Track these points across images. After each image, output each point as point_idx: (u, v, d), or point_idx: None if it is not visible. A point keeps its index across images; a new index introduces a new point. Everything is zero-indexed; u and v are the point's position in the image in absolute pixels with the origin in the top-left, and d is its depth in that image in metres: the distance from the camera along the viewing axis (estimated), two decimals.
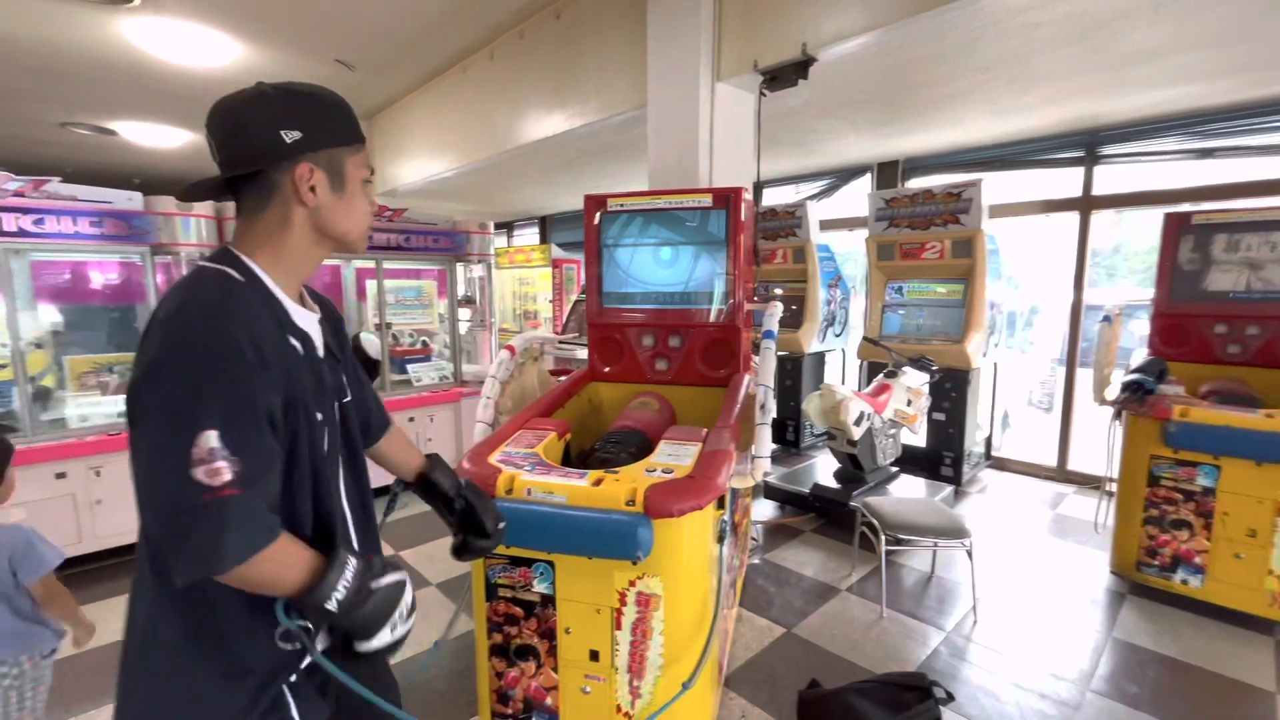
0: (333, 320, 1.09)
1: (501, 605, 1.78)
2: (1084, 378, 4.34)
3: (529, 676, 1.79)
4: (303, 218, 0.94)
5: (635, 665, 1.68)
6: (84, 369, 3.50)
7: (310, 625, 0.87)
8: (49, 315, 3.40)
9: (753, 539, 3.45)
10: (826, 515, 3.74)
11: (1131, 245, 6.28)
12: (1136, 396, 2.77)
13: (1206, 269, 3.03)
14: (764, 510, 3.93)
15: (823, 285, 4.88)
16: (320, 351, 1.01)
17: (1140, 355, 3.21)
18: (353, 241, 1.01)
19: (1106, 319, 3.23)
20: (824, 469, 4.06)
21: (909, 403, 3.71)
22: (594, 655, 1.72)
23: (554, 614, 1.73)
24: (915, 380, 3.74)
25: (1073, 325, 4.45)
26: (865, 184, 5.39)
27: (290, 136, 0.90)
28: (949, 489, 3.95)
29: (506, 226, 9.72)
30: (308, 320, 0.98)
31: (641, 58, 3.39)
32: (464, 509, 1.24)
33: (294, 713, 0.93)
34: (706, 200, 2.52)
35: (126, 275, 3.66)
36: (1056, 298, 5.03)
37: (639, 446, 2.08)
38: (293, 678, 0.93)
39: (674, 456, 1.82)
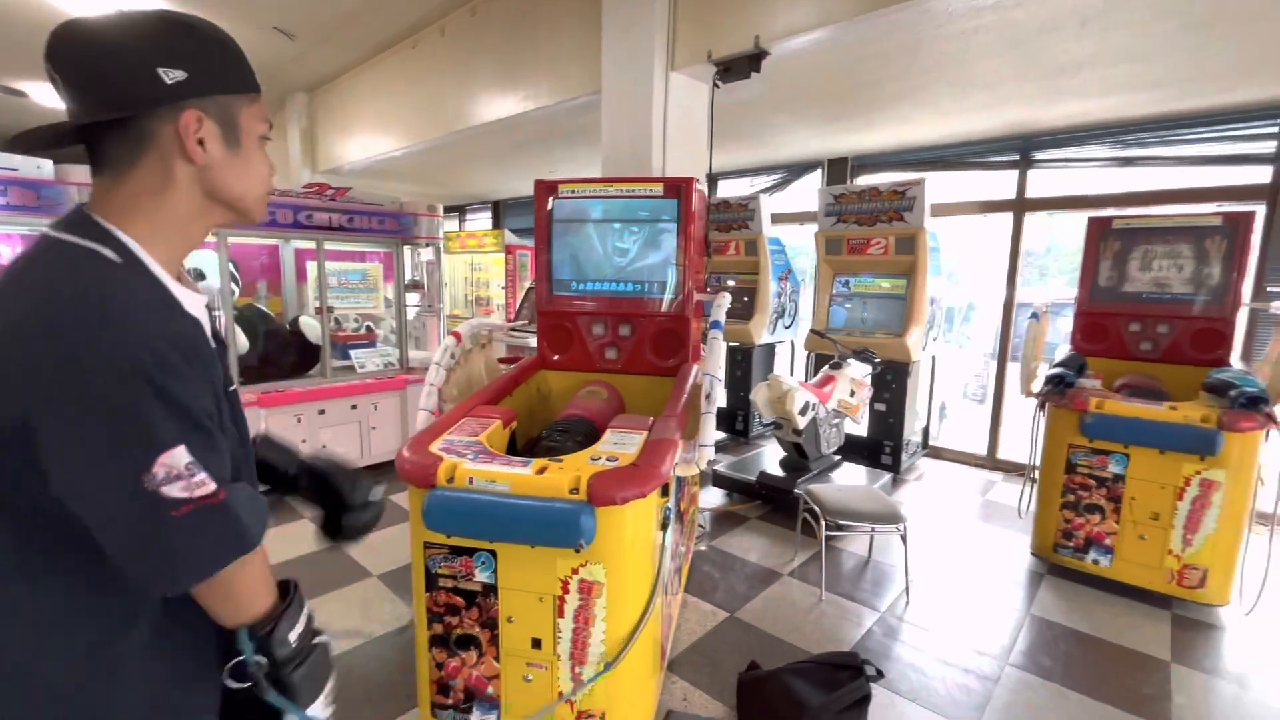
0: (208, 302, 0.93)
1: (442, 595, 1.76)
2: (1014, 371, 4.58)
3: (470, 666, 1.77)
4: (189, 177, 0.77)
5: (578, 652, 1.69)
6: None
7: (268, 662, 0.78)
8: None
9: (700, 526, 3.51)
10: (772, 502, 3.83)
11: (1063, 246, 6.65)
12: (1058, 389, 2.94)
13: (1124, 271, 3.24)
14: (712, 498, 4.00)
15: (773, 278, 4.97)
16: (211, 341, 0.83)
17: (1063, 351, 3.41)
18: (249, 207, 0.85)
19: (1034, 316, 3.41)
20: (771, 458, 4.15)
21: (852, 393, 3.83)
22: (536, 643, 1.71)
23: (496, 603, 1.72)
24: (858, 372, 3.86)
25: (1005, 321, 4.69)
26: (816, 179, 5.51)
27: (171, 76, 0.73)
28: (888, 476, 4.11)
29: (458, 210, 9.48)
30: (195, 304, 0.80)
31: (596, 42, 3.35)
32: (316, 484, 1.06)
33: None
34: (658, 189, 2.52)
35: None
36: (991, 295, 5.29)
37: (586, 435, 2.07)
38: None
39: (619, 445, 1.82)
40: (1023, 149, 4.43)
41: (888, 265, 4.40)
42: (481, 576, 1.72)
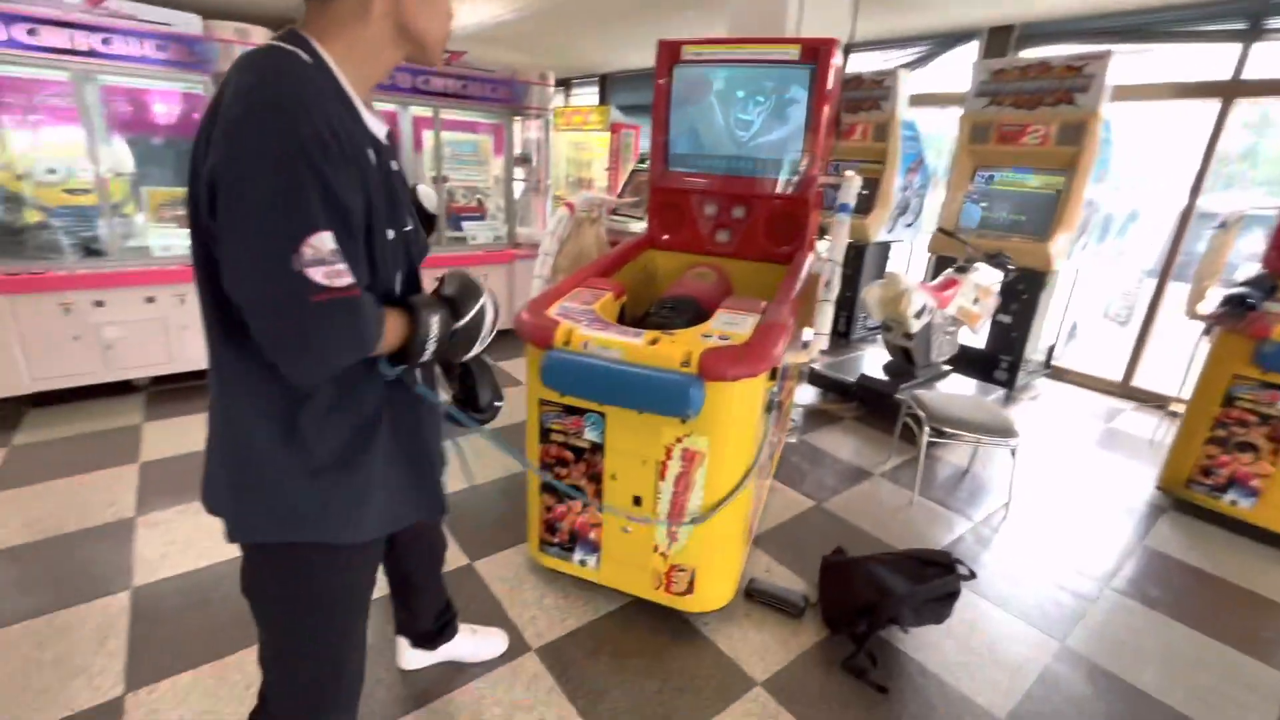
0: (394, 144, 1.01)
1: (554, 448, 1.90)
2: (1175, 292, 4.00)
3: (575, 513, 1.94)
4: (383, 9, 0.85)
5: (675, 513, 1.80)
6: (161, 200, 3.63)
7: (408, 368, 0.99)
8: (122, 145, 3.47)
9: (792, 420, 3.51)
10: (869, 406, 3.74)
11: (1268, 150, 5.49)
12: (1237, 311, 2.55)
13: None
14: (806, 395, 3.96)
15: (901, 170, 4.50)
16: (394, 164, 0.95)
17: (1249, 269, 2.91)
18: (431, 45, 0.93)
19: (1222, 225, 2.90)
20: (871, 361, 4.00)
21: (975, 301, 3.53)
22: (637, 500, 1.83)
23: (602, 460, 1.84)
24: (987, 278, 3.53)
25: (1177, 234, 4.04)
26: (970, 52, 4.75)
27: None
28: (1000, 392, 3.87)
29: (564, 84, 9.15)
30: (379, 128, 0.91)
31: None
32: (463, 376, 1.18)
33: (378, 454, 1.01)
34: (794, 52, 2.27)
35: (189, 107, 3.65)
36: (1161, 203, 4.53)
37: (694, 314, 2.06)
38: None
39: (731, 324, 1.80)
40: (1255, 13, 3.54)
41: (1043, 157, 3.84)
42: (590, 435, 1.83)
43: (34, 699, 1.56)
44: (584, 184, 8.07)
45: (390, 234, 0.93)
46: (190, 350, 3.40)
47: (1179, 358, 2.90)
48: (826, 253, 2.10)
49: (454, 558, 2.19)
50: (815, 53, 2.24)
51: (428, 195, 1.26)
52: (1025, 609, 2.12)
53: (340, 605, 1.05)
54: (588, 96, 8.94)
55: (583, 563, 1.99)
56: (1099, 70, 3.46)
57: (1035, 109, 3.75)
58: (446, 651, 1.70)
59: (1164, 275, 4.13)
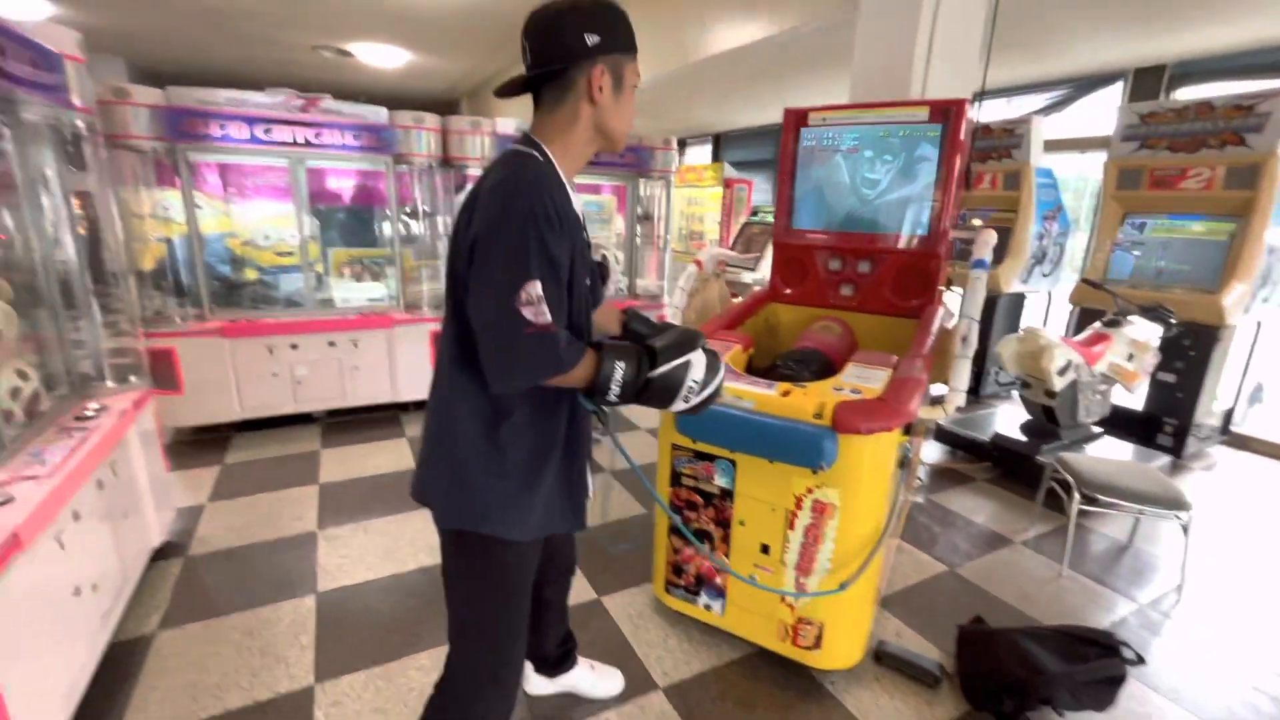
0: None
1: (684, 492, 1.99)
2: None
3: (703, 556, 2.01)
4: (588, 115, 1.11)
5: (804, 564, 1.81)
6: (343, 260, 4.28)
7: (603, 410, 1.17)
8: (318, 214, 4.16)
9: (919, 478, 3.36)
10: (1004, 466, 3.49)
11: None
12: None
13: None
14: (932, 452, 3.78)
15: (1037, 217, 4.28)
16: (586, 234, 1.19)
17: None
18: (618, 140, 1.17)
19: None
20: (1005, 419, 3.75)
21: (1130, 358, 3.24)
22: (764, 549, 1.87)
23: (731, 506, 1.90)
24: (1143, 333, 3.23)
25: None
26: (1111, 95, 4.50)
27: (591, 40, 1.05)
28: (1165, 460, 3.47)
29: (680, 143, 9.64)
30: (577, 202, 1.16)
31: None
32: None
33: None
34: (923, 114, 2.32)
35: (368, 181, 4.32)
36: None
37: (820, 367, 2.10)
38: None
39: (862, 378, 1.83)
40: None
41: (1209, 203, 3.51)
42: (720, 481, 1.90)
43: (249, 680, 1.85)
44: (695, 238, 8.36)
45: (586, 281, 1.18)
46: (361, 388, 3.91)
47: None
48: (958, 307, 2.07)
49: (582, 591, 2.31)
50: (945, 113, 2.28)
51: (610, 258, 1.48)
52: (1208, 708, 1.86)
53: (511, 592, 1.25)
54: (700, 154, 9.34)
55: (708, 607, 2.04)
56: (1274, 107, 3.16)
57: (1197, 151, 3.46)
58: (566, 682, 1.81)
59: None
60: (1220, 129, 3.34)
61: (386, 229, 4.16)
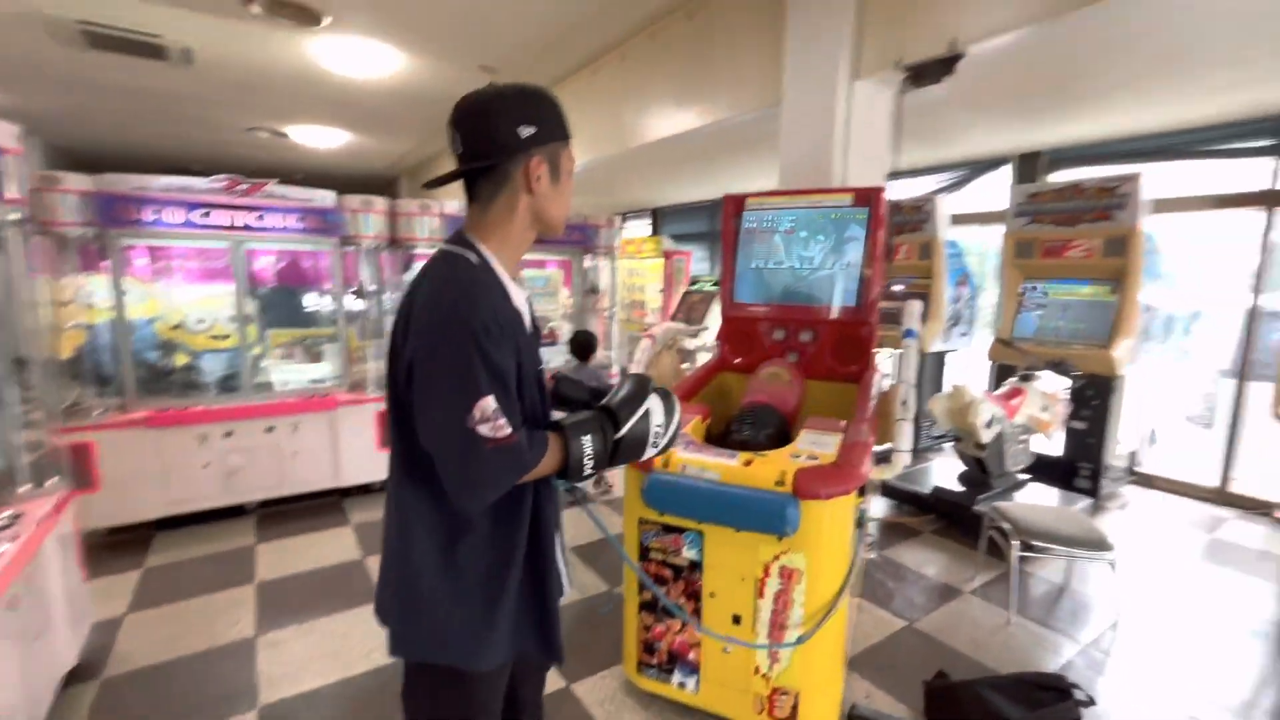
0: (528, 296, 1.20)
1: (653, 566, 2.00)
2: (1259, 392, 3.91)
3: (674, 633, 2.00)
4: (526, 206, 1.07)
5: (775, 632, 1.83)
6: (283, 341, 4.15)
7: (580, 487, 1.16)
8: (255, 295, 4.06)
9: (868, 534, 3.47)
10: (947, 518, 3.67)
11: None
12: None
13: None
14: (879, 507, 3.92)
15: (949, 283, 4.72)
16: (529, 327, 1.13)
17: None
18: (557, 226, 1.13)
19: None
20: (941, 471, 3.97)
21: (1044, 409, 3.55)
22: (736, 619, 1.89)
23: (700, 578, 1.92)
24: (1052, 385, 3.57)
25: (1247, 333, 4.02)
26: (1001, 176, 5.11)
27: (525, 132, 1.02)
28: (1085, 502, 3.74)
29: (619, 217, 10.05)
30: (519, 297, 1.11)
31: (774, 57, 3.46)
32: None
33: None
34: (847, 200, 2.59)
35: (313, 262, 4.27)
36: (1225, 302, 4.54)
37: (775, 424, 2.18)
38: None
39: (817, 444, 1.94)
40: (1277, 131, 3.77)
41: (1092, 269, 3.99)
42: (689, 553, 1.93)
43: None
44: (636, 307, 8.61)
45: (533, 374, 1.12)
46: (300, 474, 3.72)
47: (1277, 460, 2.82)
48: (895, 371, 2.25)
49: (550, 679, 2.22)
50: (868, 198, 2.55)
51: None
52: None
53: None
54: (641, 228, 9.76)
55: (682, 685, 2.01)
56: (1132, 189, 3.69)
57: (1076, 225, 3.96)
58: None
59: (1242, 375, 4.06)
60: (1092, 207, 3.86)
61: (330, 308, 4.09)
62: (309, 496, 3.88)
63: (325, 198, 3.72)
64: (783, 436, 2.13)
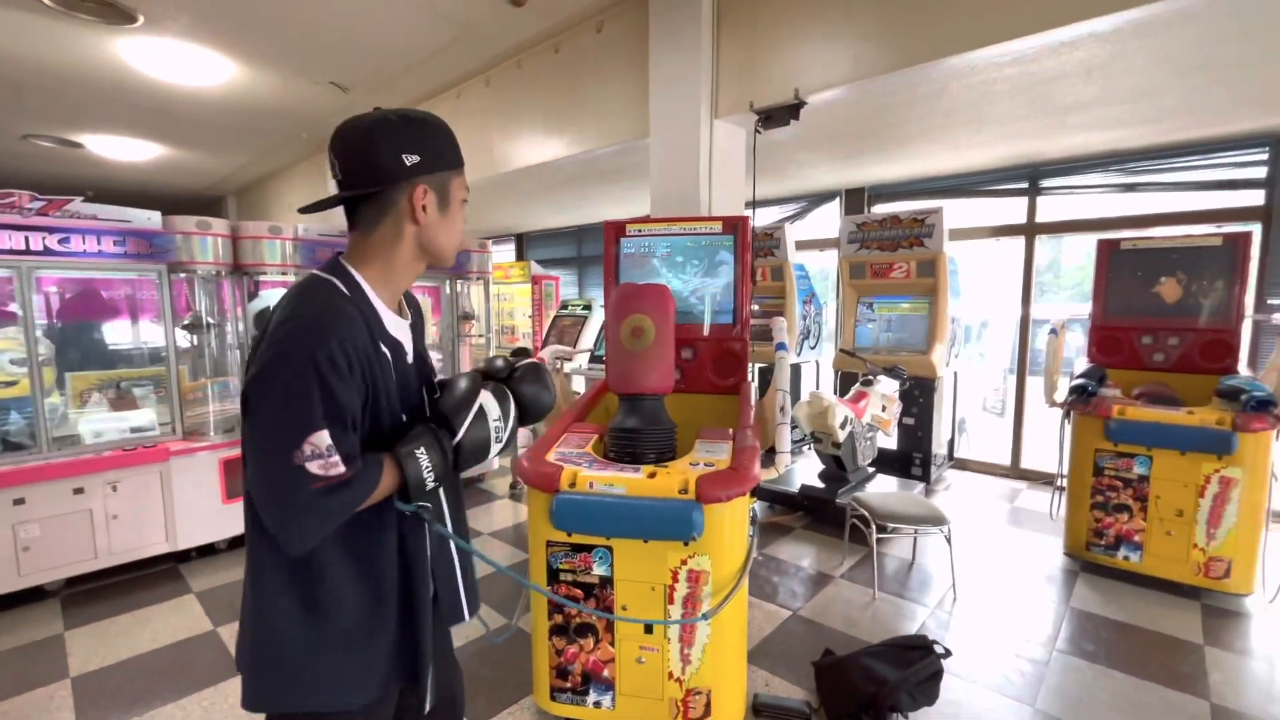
0: (418, 324, 1.17)
1: (563, 588, 2.00)
2: (1034, 384, 4.84)
3: (588, 652, 2.00)
4: (412, 235, 1.03)
5: (686, 634, 1.92)
6: (92, 385, 3.51)
7: (426, 505, 1.03)
8: (56, 332, 3.41)
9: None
10: (814, 512, 4.06)
11: (1064, 263, 6.97)
12: (1082, 398, 3.20)
13: (1134, 288, 3.52)
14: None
15: (799, 301, 5.26)
16: (409, 358, 1.09)
17: (1081, 363, 3.68)
18: (447, 257, 1.09)
19: (1054, 331, 3.68)
20: (806, 471, 4.39)
21: (884, 408, 4.09)
22: (648, 628, 1.95)
23: (612, 594, 1.96)
24: (888, 388, 4.12)
25: (1021, 337, 4.97)
26: (833, 208, 5.84)
27: (410, 160, 0.99)
28: (920, 487, 4.34)
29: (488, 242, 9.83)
30: (399, 328, 1.07)
31: (639, 91, 3.69)
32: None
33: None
34: (717, 227, 2.82)
35: (132, 292, 3.69)
36: (1004, 312, 5.57)
37: (651, 415, 2.14)
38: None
39: (711, 453, 2.08)
40: (1031, 177, 4.76)
41: (910, 287, 4.70)
42: (599, 570, 1.96)
43: None
44: (508, 332, 8.47)
45: (404, 417, 1.06)
46: (122, 541, 3.15)
47: (1052, 439, 3.51)
48: (774, 382, 2.49)
49: None
50: (735, 225, 2.80)
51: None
52: (995, 681, 2.35)
53: None
54: (505, 252, 9.64)
55: (598, 704, 2.01)
56: (936, 220, 4.42)
57: (896, 250, 4.65)
58: None
59: (1020, 372, 4.99)
60: (907, 235, 4.56)
61: (157, 345, 3.55)
62: (135, 565, 3.29)
63: (148, 218, 3.24)
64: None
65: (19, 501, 2.87)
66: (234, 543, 3.59)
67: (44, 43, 4.13)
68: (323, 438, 0.89)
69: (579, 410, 2.61)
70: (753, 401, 2.60)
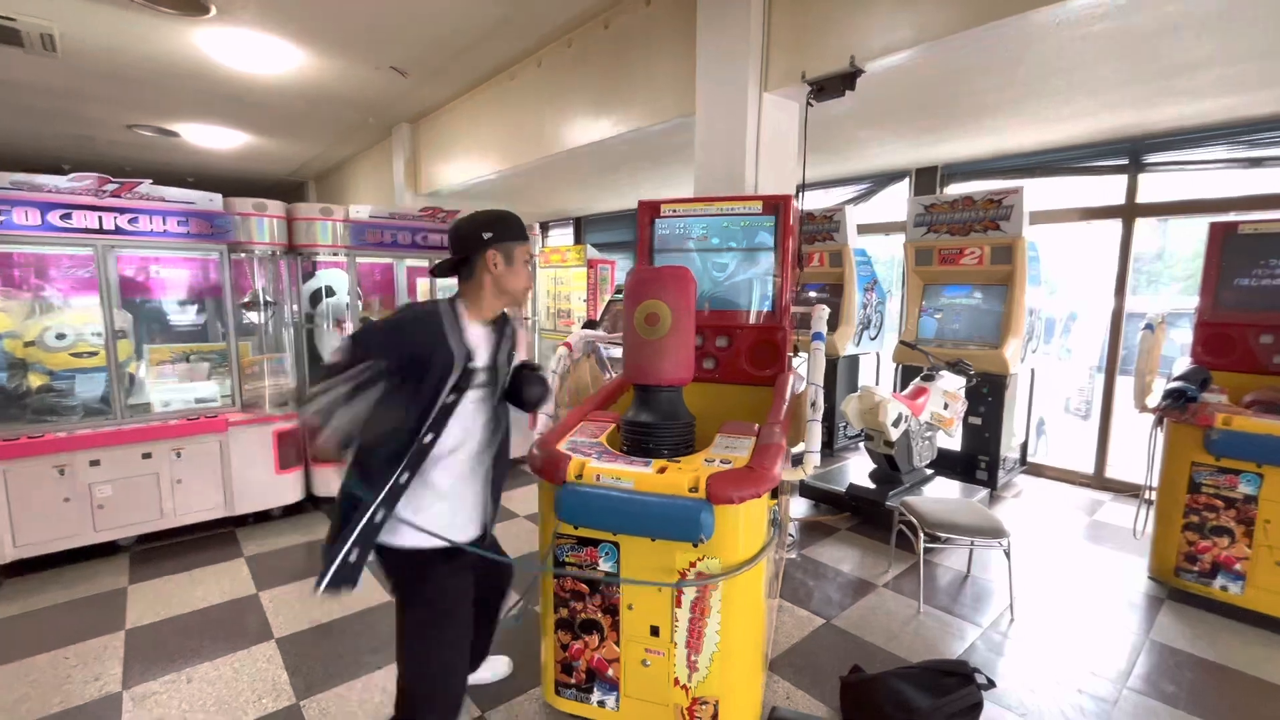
0: (509, 340, 1.76)
1: (568, 582, 1.93)
2: (1124, 385, 4.33)
3: (592, 649, 1.93)
4: (489, 281, 1.63)
5: (693, 641, 1.81)
6: (164, 358, 3.76)
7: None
8: (131, 307, 3.67)
9: (789, 534, 3.54)
10: (862, 514, 3.82)
11: (1176, 252, 6.20)
12: (1179, 404, 2.80)
13: (1253, 279, 3.04)
14: (798, 508, 4.02)
15: (859, 289, 4.95)
16: (479, 361, 1.62)
17: (1183, 364, 3.23)
18: (518, 296, 1.69)
19: (1149, 327, 3.25)
20: (856, 469, 4.13)
21: (945, 406, 3.77)
22: (654, 631, 1.85)
23: (618, 591, 1.87)
24: (952, 384, 3.79)
25: (1113, 332, 4.45)
26: (902, 189, 5.43)
27: (486, 235, 1.61)
28: (984, 492, 3.99)
29: (542, 227, 9.91)
30: (478, 336, 1.64)
31: (688, 67, 3.52)
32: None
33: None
34: (757, 207, 2.64)
35: (199, 270, 3.92)
36: (1096, 304, 5.01)
37: (668, 408, 2.02)
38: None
39: (730, 449, 1.94)
40: (1132, 152, 4.22)
41: (982, 275, 4.30)
42: (605, 566, 1.87)
43: None
44: (564, 316, 8.51)
45: (451, 398, 1.56)
46: (185, 505, 3.37)
47: (1142, 447, 3.11)
48: (805, 374, 2.30)
49: (465, 708, 2.09)
50: (776, 206, 2.61)
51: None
52: (1046, 715, 2.09)
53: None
54: (564, 236, 9.67)
55: (601, 703, 1.94)
56: (1015, 202, 4.01)
57: (968, 234, 4.26)
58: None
59: (1110, 371, 4.48)
60: (981, 217, 4.16)
61: (220, 321, 3.75)
62: (196, 528, 3.53)
63: (210, 200, 3.41)
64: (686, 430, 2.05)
65: (95, 463, 3.11)
66: (288, 510, 3.78)
67: (135, 36, 4.42)
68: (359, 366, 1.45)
69: (600, 398, 2.52)
70: (788, 394, 2.43)
